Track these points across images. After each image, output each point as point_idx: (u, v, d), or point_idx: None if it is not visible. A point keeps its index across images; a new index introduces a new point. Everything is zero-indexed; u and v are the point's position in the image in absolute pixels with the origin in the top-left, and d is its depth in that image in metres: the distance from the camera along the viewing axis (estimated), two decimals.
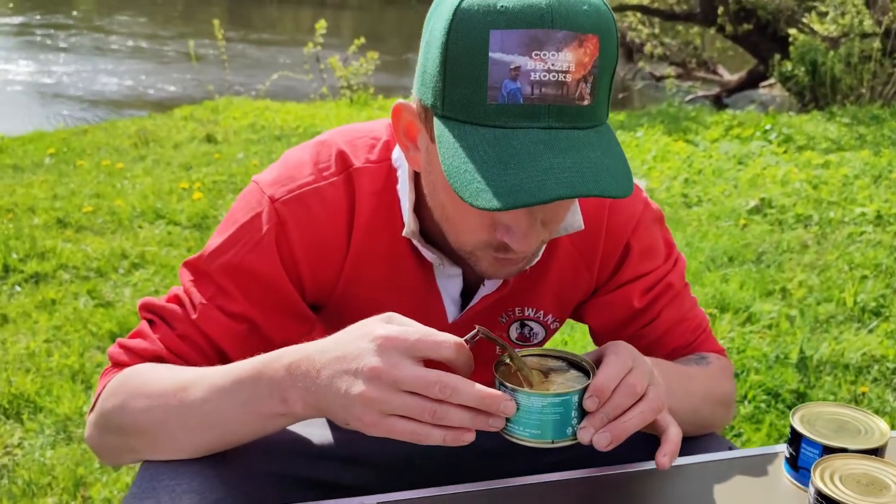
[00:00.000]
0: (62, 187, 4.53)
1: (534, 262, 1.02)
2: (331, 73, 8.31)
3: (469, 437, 0.78)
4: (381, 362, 0.77)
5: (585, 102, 0.81)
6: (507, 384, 0.80)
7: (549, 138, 0.80)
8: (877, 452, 0.90)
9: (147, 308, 1.02)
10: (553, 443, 0.82)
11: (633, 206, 1.10)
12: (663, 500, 0.94)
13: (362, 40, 8.64)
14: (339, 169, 1.03)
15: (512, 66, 0.79)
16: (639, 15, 10.34)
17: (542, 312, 1.14)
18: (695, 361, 1.11)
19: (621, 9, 9.78)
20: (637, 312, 1.12)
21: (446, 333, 0.80)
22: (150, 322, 1.01)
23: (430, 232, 1.03)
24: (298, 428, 1.11)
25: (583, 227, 1.03)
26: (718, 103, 9.25)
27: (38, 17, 14.33)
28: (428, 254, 1.04)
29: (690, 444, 1.03)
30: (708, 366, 1.11)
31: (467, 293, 1.10)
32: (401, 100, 0.94)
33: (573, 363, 0.87)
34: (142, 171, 4.96)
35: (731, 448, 1.06)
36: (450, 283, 1.08)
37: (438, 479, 0.98)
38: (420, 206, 1.02)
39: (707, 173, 4.79)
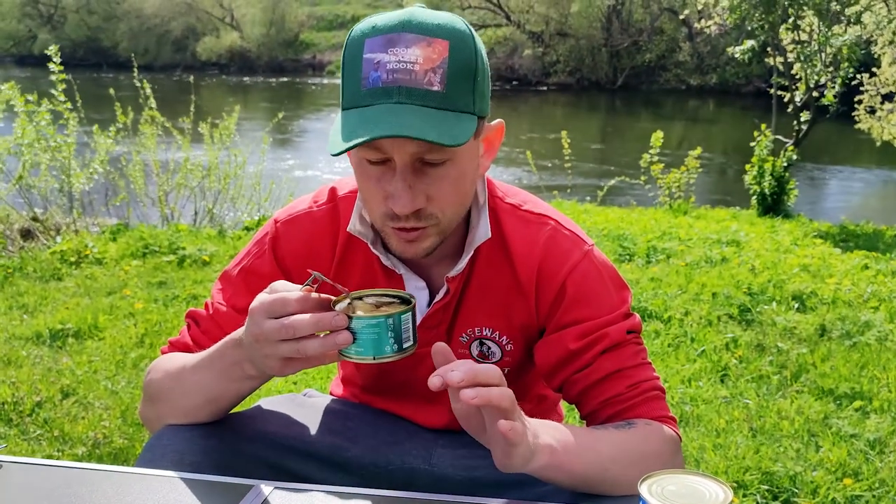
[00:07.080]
0: None
1: (435, 245, 1.15)
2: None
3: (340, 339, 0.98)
4: (252, 326, 1.02)
5: (435, 88, 1.03)
6: (339, 310, 0.98)
7: (397, 108, 1.02)
8: None
9: (188, 314, 1.33)
10: (374, 359, 0.98)
11: (570, 251, 1.22)
12: None
13: (699, 151, 8.58)
14: (329, 199, 1.30)
15: (375, 61, 1.04)
16: None
17: (497, 333, 1.26)
18: (614, 427, 1.13)
19: None
20: (572, 355, 1.18)
21: (296, 292, 1.00)
22: (188, 324, 1.32)
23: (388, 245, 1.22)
24: (284, 427, 1.31)
25: (490, 236, 1.20)
26: None
27: None
28: (384, 259, 1.22)
29: (603, 501, 1.08)
30: (630, 429, 1.13)
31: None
32: None
33: (404, 300, 1.03)
34: None
35: None
36: (418, 295, 1.23)
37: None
38: None
39: None
